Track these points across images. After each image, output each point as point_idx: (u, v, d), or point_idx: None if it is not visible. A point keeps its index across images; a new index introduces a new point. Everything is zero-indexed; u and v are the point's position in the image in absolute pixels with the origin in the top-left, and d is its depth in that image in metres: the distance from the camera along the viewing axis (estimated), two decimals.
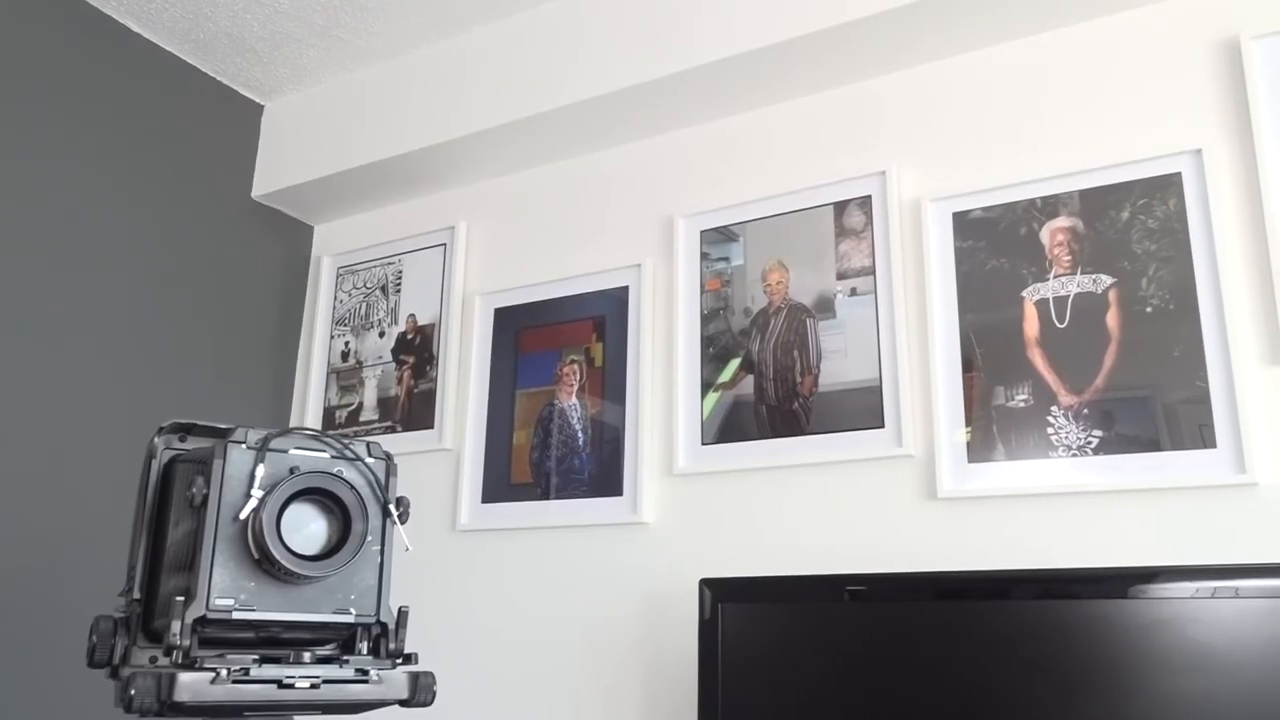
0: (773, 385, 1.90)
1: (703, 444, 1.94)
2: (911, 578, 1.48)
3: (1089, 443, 1.60)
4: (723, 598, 1.59)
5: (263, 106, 2.61)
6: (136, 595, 0.99)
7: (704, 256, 2.05)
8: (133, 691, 0.86)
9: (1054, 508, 1.61)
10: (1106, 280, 1.66)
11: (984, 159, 1.83)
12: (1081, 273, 1.68)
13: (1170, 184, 1.64)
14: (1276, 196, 1.56)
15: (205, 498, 0.94)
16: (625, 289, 2.13)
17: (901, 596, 1.46)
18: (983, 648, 1.39)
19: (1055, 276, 1.70)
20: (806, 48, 1.88)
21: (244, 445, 0.97)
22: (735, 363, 1.95)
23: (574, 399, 2.12)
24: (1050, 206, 1.73)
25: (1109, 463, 1.58)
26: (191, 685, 0.88)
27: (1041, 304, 1.70)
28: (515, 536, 2.11)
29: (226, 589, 0.93)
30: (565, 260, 2.25)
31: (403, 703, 1.00)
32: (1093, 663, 1.32)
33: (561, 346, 2.17)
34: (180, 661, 0.89)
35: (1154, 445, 1.55)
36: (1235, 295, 1.56)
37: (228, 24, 2.29)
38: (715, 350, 1.98)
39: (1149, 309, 1.61)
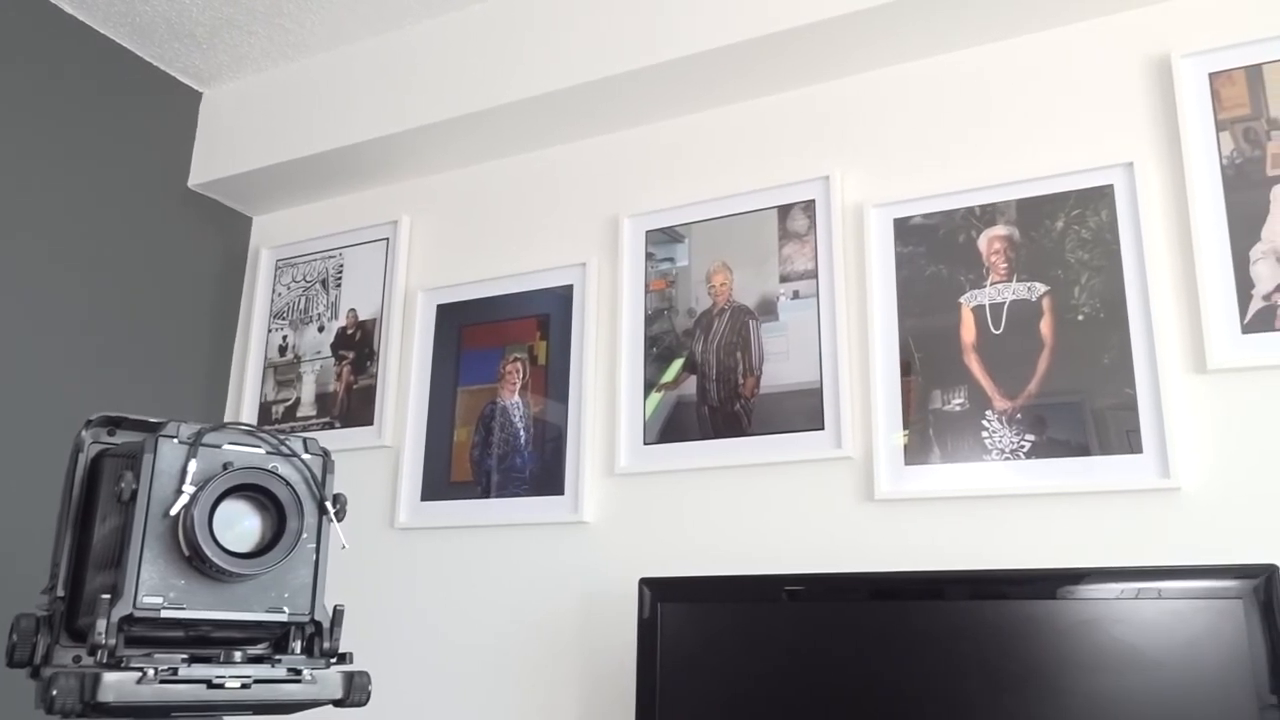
0: (715, 386, 1.91)
1: (645, 444, 1.94)
2: (848, 578, 1.50)
3: (1022, 446, 1.64)
4: (662, 597, 1.60)
5: (201, 94, 2.55)
6: (60, 593, 0.96)
7: (649, 257, 2.05)
8: (54, 692, 0.83)
9: (987, 510, 1.64)
10: (1041, 288, 1.69)
11: (925, 167, 1.86)
12: (1017, 280, 1.71)
13: (1103, 195, 1.69)
14: (1202, 209, 1.61)
15: (134, 493, 0.92)
16: (570, 287, 2.12)
17: (838, 596, 1.48)
18: (917, 646, 1.41)
19: (992, 283, 1.73)
20: (754, 52, 1.90)
21: (176, 440, 0.95)
22: (678, 363, 1.96)
23: (516, 397, 2.11)
24: (988, 215, 1.76)
25: (1040, 466, 1.62)
26: (116, 685, 0.85)
27: (978, 310, 1.73)
28: (455, 535, 2.10)
29: (155, 587, 0.91)
30: (509, 257, 2.24)
31: (336, 703, 0.98)
32: (1022, 662, 1.35)
33: (505, 344, 2.16)
34: (105, 661, 0.87)
35: (1083, 450, 1.59)
36: (1162, 305, 1.61)
37: (166, 8, 2.23)
38: (659, 350, 1.99)
39: (1080, 317, 1.65)
